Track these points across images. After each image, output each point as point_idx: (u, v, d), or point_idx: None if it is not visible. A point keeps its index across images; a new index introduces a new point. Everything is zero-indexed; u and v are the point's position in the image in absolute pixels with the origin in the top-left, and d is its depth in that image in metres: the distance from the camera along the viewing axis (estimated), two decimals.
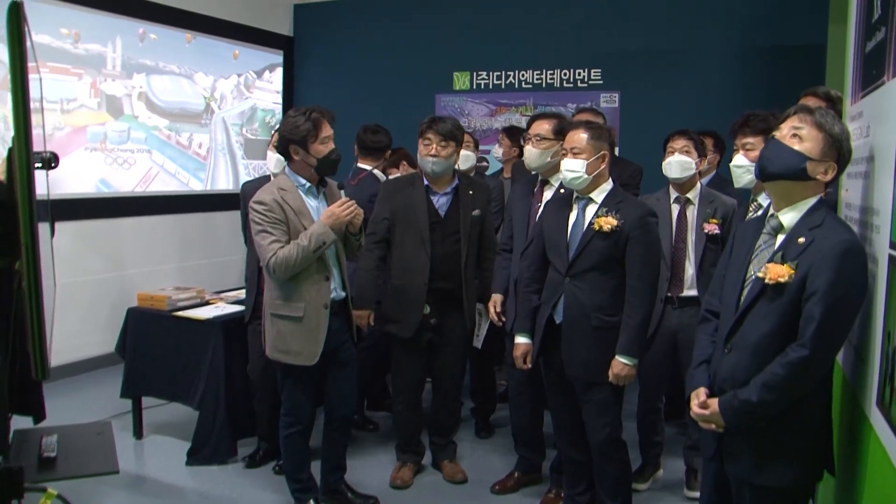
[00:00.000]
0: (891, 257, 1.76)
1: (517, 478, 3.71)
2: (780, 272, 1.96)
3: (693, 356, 2.34)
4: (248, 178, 5.40)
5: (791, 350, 1.93)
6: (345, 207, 3.09)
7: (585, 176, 2.94)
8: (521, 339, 3.23)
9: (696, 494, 3.48)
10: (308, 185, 3.17)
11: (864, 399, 1.94)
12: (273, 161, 3.81)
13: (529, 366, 3.20)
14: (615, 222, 2.90)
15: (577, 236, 2.99)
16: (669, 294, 3.49)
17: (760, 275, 2.01)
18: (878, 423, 1.76)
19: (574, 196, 3.06)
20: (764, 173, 2.09)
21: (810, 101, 3.07)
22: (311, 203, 3.18)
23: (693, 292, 3.47)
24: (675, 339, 3.50)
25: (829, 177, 2.00)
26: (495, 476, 3.77)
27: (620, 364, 2.93)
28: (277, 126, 3.89)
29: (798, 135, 2.03)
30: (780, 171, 2.03)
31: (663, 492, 3.71)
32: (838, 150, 2.00)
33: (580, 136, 2.98)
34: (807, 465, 2.01)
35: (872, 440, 1.80)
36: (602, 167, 2.98)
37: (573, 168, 2.95)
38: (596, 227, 2.93)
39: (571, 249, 2.99)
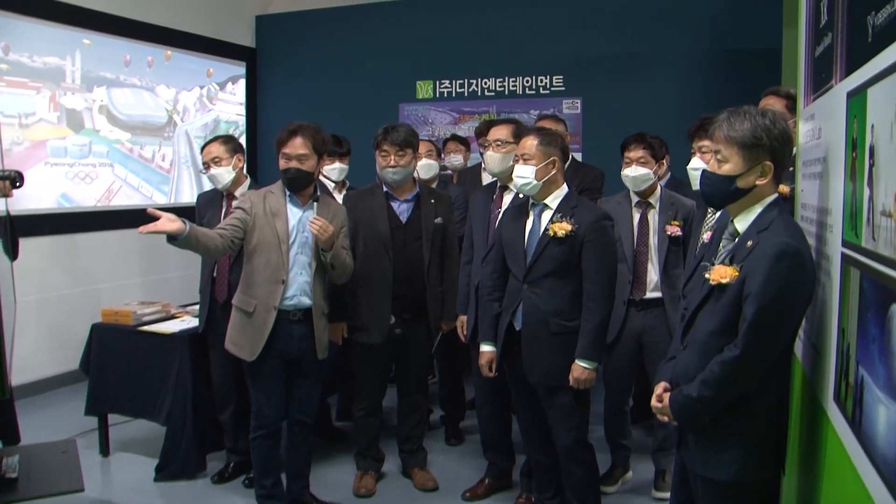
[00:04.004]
0: (843, 255, 1.80)
1: (488, 484, 3.72)
2: (722, 273, 2.02)
3: (668, 350, 2.39)
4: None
5: (727, 349, 2.00)
6: None
7: (535, 182, 2.98)
8: (485, 348, 3.25)
9: (664, 495, 3.54)
10: (290, 193, 3.28)
11: (822, 394, 1.98)
12: (223, 176, 3.82)
13: (494, 373, 3.23)
14: (569, 227, 2.93)
15: (533, 243, 3.02)
16: (632, 297, 3.52)
17: (707, 276, 2.06)
18: (836, 418, 1.80)
19: (530, 202, 3.09)
20: (711, 204, 2.24)
21: (771, 101, 3.14)
22: (294, 209, 3.28)
23: (657, 294, 3.51)
24: (640, 341, 3.54)
25: (767, 177, 2.04)
26: (466, 483, 3.78)
27: (580, 368, 2.95)
28: (208, 142, 3.95)
29: (719, 157, 2.08)
30: (720, 199, 2.12)
31: (632, 494, 3.75)
32: (763, 145, 2.01)
33: (530, 143, 3.02)
34: (751, 461, 2.05)
35: (830, 434, 1.84)
36: (553, 172, 3.00)
37: (523, 174, 3.00)
38: (551, 233, 2.95)
39: (528, 256, 3.02)
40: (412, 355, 3.75)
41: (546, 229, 2.98)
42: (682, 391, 2.10)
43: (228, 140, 3.93)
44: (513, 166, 3.41)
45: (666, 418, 2.18)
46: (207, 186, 6.64)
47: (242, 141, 7.28)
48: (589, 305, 2.97)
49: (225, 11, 7.14)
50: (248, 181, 3.91)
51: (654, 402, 2.22)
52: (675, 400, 2.12)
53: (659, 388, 2.23)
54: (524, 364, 3.06)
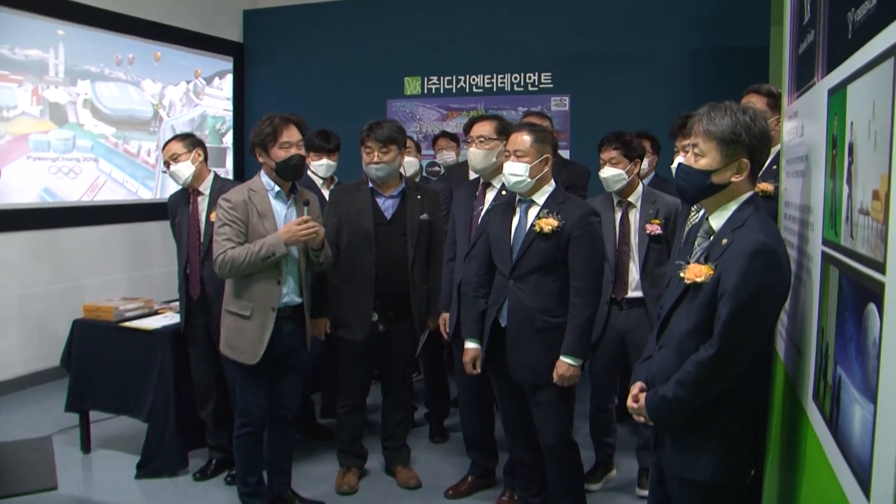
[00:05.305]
0: (823, 254, 1.79)
1: (471, 482, 3.71)
2: (697, 272, 2.00)
3: (644, 351, 2.37)
4: None
5: (702, 349, 1.98)
6: (303, 227, 3.13)
7: (529, 180, 2.94)
8: (470, 345, 3.22)
9: (647, 493, 3.53)
10: (277, 189, 3.24)
11: (802, 393, 1.97)
12: (183, 171, 3.78)
13: (478, 371, 3.20)
14: (556, 223, 2.90)
15: (519, 239, 2.99)
16: (614, 296, 3.50)
17: (682, 274, 2.04)
18: (814, 417, 1.79)
19: (517, 199, 3.06)
20: (686, 199, 2.24)
21: (752, 99, 3.13)
22: (278, 207, 3.24)
23: (638, 293, 3.49)
24: (623, 340, 3.52)
25: (743, 174, 2.02)
26: (449, 481, 3.77)
27: (565, 365, 2.93)
28: (167, 141, 3.91)
29: (696, 151, 2.06)
30: (694, 193, 2.10)
31: (616, 492, 3.74)
32: (741, 142, 1.99)
33: (524, 139, 2.97)
34: (728, 461, 2.03)
35: (809, 433, 1.83)
36: (545, 170, 2.98)
37: (516, 172, 2.95)
38: (537, 228, 2.92)
39: (514, 252, 2.99)
40: (396, 353, 3.73)
41: (532, 225, 2.96)
42: (657, 392, 2.08)
43: (186, 136, 3.91)
44: (496, 163, 3.41)
45: (642, 419, 2.16)
46: None
47: (229, 136, 7.30)
48: (576, 302, 2.94)
49: (212, 6, 7.09)
50: (211, 175, 3.88)
51: (629, 402, 2.21)
52: (651, 400, 2.10)
53: (635, 388, 2.21)
54: (509, 361, 3.03)
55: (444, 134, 5.60)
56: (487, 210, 3.37)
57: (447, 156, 5.35)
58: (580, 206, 3.01)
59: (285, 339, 3.25)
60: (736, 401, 2.03)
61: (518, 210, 3.06)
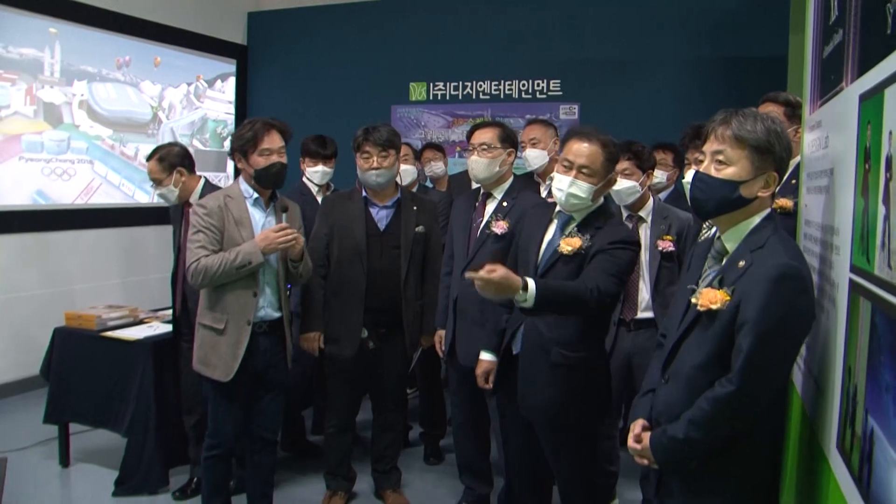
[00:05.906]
0: (851, 282, 1.58)
1: None
2: (712, 298, 1.77)
3: (643, 383, 2.14)
4: None
5: (718, 385, 1.74)
6: (281, 234, 2.96)
7: (590, 203, 2.56)
8: (486, 356, 2.90)
9: None
10: (255, 196, 3.07)
11: (824, 438, 1.75)
12: (168, 196, 3.69)
13: (490, 386, 2.89)
14: (580, 244, 2.52)
15: (547, 255, 2.63)
16: (622, 317, 3.26)
17: (694, 300, 1.82)
18: (838, 468, 1.57)
19: (555, 208, 2.69)
20: (702, 213, 1.94)
21: (769, 108, 2.93)
22: (256, 215, 3.07)
23: (649, 314, 3.24)
24: (630, 364, 3.30)
25: (770, 188, 1.80)
26: None
27: (514, 292, 2.25)
28: (160, 146, 3.77)
29: (720, 159, 1.83)
30: (716, 206, 1.85)
31: None
32: (774, 152, 1.78)
33: (595, 154, 2.53)
34: None
35: (832, 485, 1.61)
36: (604, 193, 2.62)
37: (579, 193, 2.52)
38: (561, 249, 2.56)
39: (539, 270, 2.62)
40: (387, 371, 3.52)
41: (558, 243, 2.59)
42: (665, 432, 1.84)
43: (163, 158, 3.65)
44: (498, 172, 3.21)
45: (646, 461, 1.93)
46: None
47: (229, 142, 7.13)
48: (585, 282, 2.42)
49: (216, 7, 6.95)
50: (201, 183, 3.72)
51: (631, 442, 1.97)
52: (658, 441, 1.86)
53: (637, 426, 1.98)
54: (519, 395, 2.67)
55: (430, 145, 5.36)
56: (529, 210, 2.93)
57: (436, 167, 5.12)
58: (617, 232, 2.58)
59: (262, 356, 3.07)
60: (753, 442, 1.81)
61: (555, 222, 2.67)
